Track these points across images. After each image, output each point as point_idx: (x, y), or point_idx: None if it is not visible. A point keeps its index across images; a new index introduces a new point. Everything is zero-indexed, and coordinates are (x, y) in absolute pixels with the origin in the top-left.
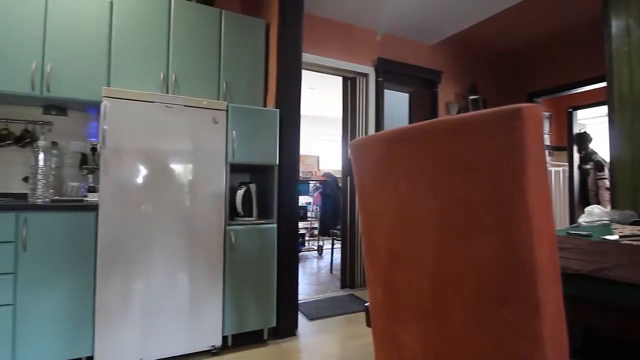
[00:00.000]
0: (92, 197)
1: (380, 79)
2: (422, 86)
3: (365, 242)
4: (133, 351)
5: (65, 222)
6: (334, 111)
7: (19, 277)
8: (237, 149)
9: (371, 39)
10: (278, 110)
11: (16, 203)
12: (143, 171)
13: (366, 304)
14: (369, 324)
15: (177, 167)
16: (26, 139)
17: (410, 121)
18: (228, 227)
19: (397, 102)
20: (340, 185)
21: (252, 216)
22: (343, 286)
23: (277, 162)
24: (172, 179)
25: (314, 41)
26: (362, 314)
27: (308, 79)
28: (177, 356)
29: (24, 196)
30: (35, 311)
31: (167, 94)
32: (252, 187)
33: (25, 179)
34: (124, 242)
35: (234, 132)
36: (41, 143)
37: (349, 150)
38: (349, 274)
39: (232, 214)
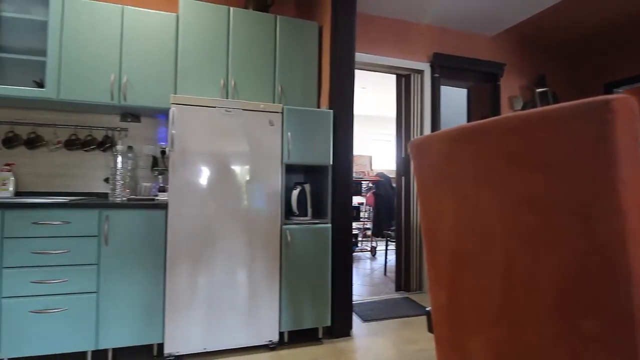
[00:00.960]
0: (162, 197)
1: (436, 75)
2: (481, 80)
3: (427, 243)
4: (198, 341)
5: (140, 219)
6: (387, 110)
7: (101, 267)
8: (292, 149)
9: (426, 35)
10: (332, 110)
11: (99, 202)
12: (206, 172)
13: (427, 309)
14: (430, 330)
15: (237, 168)
16: (107, 144)
17: (469, 118)
18: (284, 226)
19: (454, 99)
20: (394, 185)
21: (306, 216)
22: (398, 289)
23: (331, 163)
24: (232, 179)
25: (367, 40)
26: (418, 318)
27: (360, 78)
28: (237, 348)
29: (105, 195)
30: (114, 299)
31: (227, 98)
32: (307, 187)
33: (106, 180)
34: (190, 238)
35: (289, 133)
36: (119, 147)
37: (408, 150)
38: (404, 277)
39: (288, 213)
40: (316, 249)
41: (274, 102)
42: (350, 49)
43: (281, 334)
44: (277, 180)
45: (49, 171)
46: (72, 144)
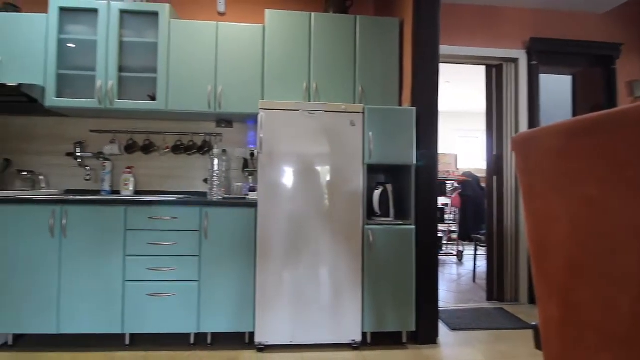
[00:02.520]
0: (252, 196)
1: (534, 62)
2: (590, 65)
3: (534, 249)
4: (285, 334)
5: (233, 216)
6: (474, 105)
7: (202, 259)
8: (373, 149)
9: (520, 19)
10: (414, 108)
11: (199, 200)
12: (291, 173)
13: (533, 323)
14: (538, 346)
15: (320, 169)
16: (205, 148)
17: (575, 108)
18: (366, 227)
19: (553, 89)
20: (483, 185)
21: (389, 216)
22: (489, 298)
23: (414, 162)
24: (315, 179)
25: (452, 31)
26: (515, 332)
27: (444, 72)
28: (321, 344)
29: (204, 194)
30: (213, 288)
31: (310, 101)
32: (389, 187)
33: (205, 180)
34: (277, 235)
35: (370, 133)
36: (215, 151)
37: (511, 146)
38: (497, 285)
39: (369, 213)
40: (399, 250)
41: (354, 103)
42: (434, 42)
43: (364, 335)
44: (358, 180)
45: (160, 173)
46: (177, 149)
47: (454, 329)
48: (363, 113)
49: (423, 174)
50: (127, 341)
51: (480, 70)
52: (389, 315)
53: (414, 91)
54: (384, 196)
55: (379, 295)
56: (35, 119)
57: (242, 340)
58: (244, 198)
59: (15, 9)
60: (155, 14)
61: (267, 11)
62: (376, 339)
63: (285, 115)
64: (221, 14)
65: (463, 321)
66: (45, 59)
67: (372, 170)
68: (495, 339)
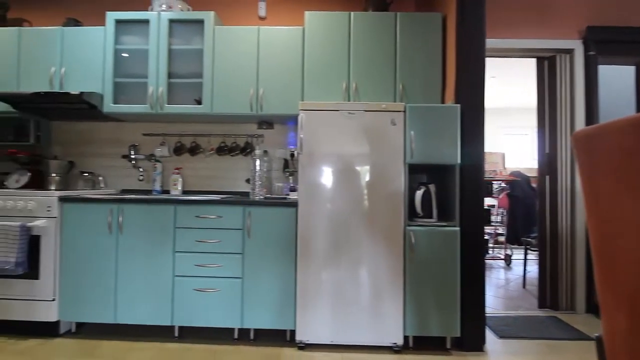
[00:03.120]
0: (292, 196)
1: (592, 53)
2: None
3: (598, 254)
4: (325, 333)
5: (275, 216)
6: (522, 100)
7: (245, 257)
8: (415, 149)
9: (575, 7)
10: (458, 105)
11: (242, 199)
12: (331, 173)
13: (596, 335)
14: (602, 359)
15: (360, 169)
16: (247, 149)
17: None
18: (407, 228)
19: (613, 80)
20: (533, 185)
21: (431, 217)
22: (542, 305)
23: (459, 161)
24: (355, 179)
25: (498, 23)
26: (572, 343)
27: (490, 66)
28: (361, 346)
29: (246, 194)
30: (255, 285)
31: (349, 101)
32: (432, 187)
33: (247, 181)
34: (317, 235)
35: (412, 132)
36: (257, 152)
37: (572, 143)
38: (550, 292)
39: (411, 214)
40: (443, 253)
41: (395, 101)
42: (479, 36)
43: (406, 338)
44: (400, 180)
45: (205, 173)
46: (221, 150)
47: (502, 337)
48: (404, 112)
49: (468, 174)
50: (176, 333)
51: (530, 63)
52: (432, 319)
53: (457, 88)
54: (426, 196)
55: (422, 299)
56: (95, 124)
57: (284, 337)
58: (285, 198)
59: (77, 23)
60: (200, 22)
61: (306, 13)
62: (418, 343)
63: (325, 116)
64: (262, 19)
65: (512, 329)
66: (103, 68)
67: (414, 170)
68: (548, 350)
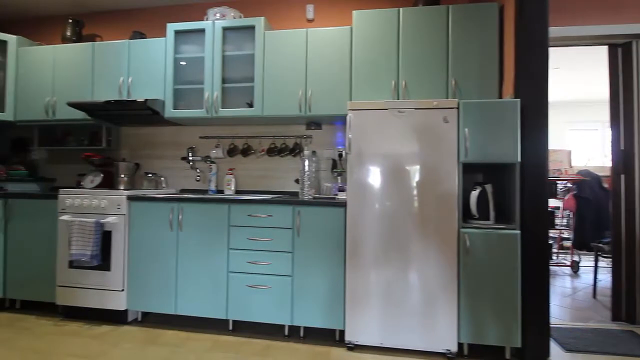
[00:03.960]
0: (341, 196)
1: None
2: None
3: None
4: (375, 335)
5: (323, 215)
6: (591, 92)
7: (295, 255)
8: (470, 147)
9: None
10: (518, 100)
11: (292, 199)
12: (381, 173)
13: None
14: None
15: (410, 168)
16: (296, 150)
17: None
18: (462, 230)
19: None
20: (605, 186)
21: (488, 220)
22: (616, 318)
23: (519, 160)
24: (406, 179)
25: (562, 9)
26: None
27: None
28: (412, 350)
29: (295, 194)
30: (304, 284)
31: (398, 99)
32: (488, 187)
33: (296, 181)
34: (366, 236)
35: (466, 129)
36: (306, 152)
37: None
38: (625, 304)
39: (466, 216)
40: (501, 257)
41: (447, 98)
42: (541, 24)
43: (460, 345)
44: (453, 180)
45: (256, 174)
46: (271, 151)
47: (569, 350)
48: (457, 108)
49: (530, 173)
50: (231, 326)
51: (601, 51)
52: (489, 327)
53: (517, 81)
54: (482, 197)
55: (478, 305)
56: (157, 129)
57: (333, 337)
58: (334, 198)
59: (142, 35)
60: (251, 28)
61: (354, 12)
62: (474, 352)
63: (374, 115)
64: (310, 21)
65: (581, 342)
66: (164, 76)
67: (469, 170)
68: None
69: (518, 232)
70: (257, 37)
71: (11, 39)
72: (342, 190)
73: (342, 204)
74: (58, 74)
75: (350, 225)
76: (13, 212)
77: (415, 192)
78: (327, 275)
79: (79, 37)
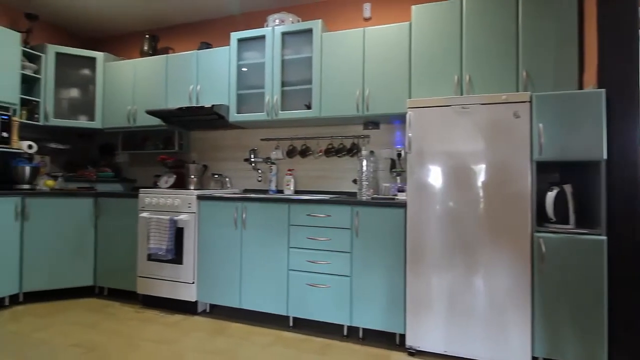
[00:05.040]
0: (401, 196)
1: None
2: None
3: None
4: (438, 342)
5: (382, 216)
6: None
7: (353, 256)
8: (544, 144)
9: None
10: (603, 90)
11: (350, 199)
12: (443, 173)
13: None
14: None
15: (475, 168)
16: (353, 150)
17: None
18: (536, 234)
19: None
20: None
21: (567, 223)
22: None
23: (605, 157)
24: (471, 179)
25: None
26: None
27: None
28: None
29: (353, 194)
30: (363, 285)
31: (462, 95)
32: (567, 188)
33: (354, 181)
34: (427, 238)
35: (540, 125)
36: (363, 153)
37: None
38: None
39: (540, 219)
40: (583, 265)
41: (517, 91)
42: (629, 3)
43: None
44: (525, 179)
45: (314, 174)
46: (329, 152)
47: None
48: (530, 102)
49: (619, 172)
50: (291, 323)
51: None
52: (568, 342)
53: (601, 70)
54: (560, 199)
55: (555, 317)
56: (222, 132)
57: (393, 340)
58: (393, 198)
59: (208, 45)
60: (309, 31)
61: (413, 7)
62: None
63: (435, 112)
64: (367, 19)
65: None
66: (229, 82)
67: (543, 169)
68: None
69: (604, 237)
70: (314, 40)
71: (99, 55)
72: (401, 190)
73: (402, 205)
74: (138, 85)
75: (411, 226)
76: (102, 210)
77: (481, 192)
78: (387, 277)
79: (154, 51)
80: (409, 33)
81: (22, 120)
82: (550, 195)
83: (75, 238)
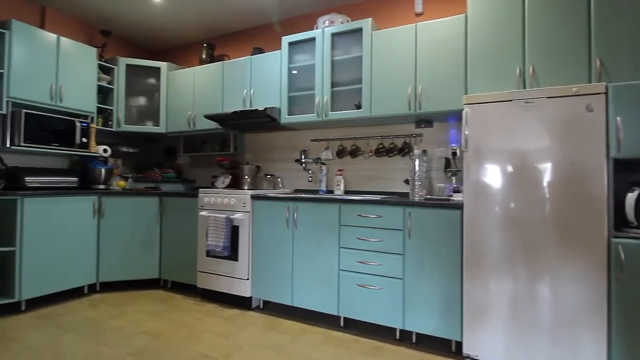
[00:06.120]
0: (456, 197)
1: None
2: None
3: None
4: (499, 352)
5: (436, 218)
6: None
7: (406, 257)
8: (624, 139)
9: None
10: None
11: (402, 200)
12: (504, 172)
13: None
14: None
15: (541, 166)
16: (405, 150)
17: None
18: (613, 240)
19: None
20: None
21: None
22: None
23: None
24: (536, 179)
25: None
26: None
27: None
28: None
29: (405, 195)
30: (416, 288)
31: (525, 88)
32: None
33: (406, 181)
34: (487, 241)
35: (618, 118)
36: (416, 152)
37: None
38: None
39: (618, 223)
40: None
41: (589, 82)
42: None
43: None
44: (600, 179)
45: (364, 174)
46: (379, 152)
47: None
48: (605, 93)
49: None
50: (342, 323)
51: None
52: None
53: None
54: None
55: (636, 331)
56: (274, 134)
57: (448, 347)
58: (448, 199)
59: (261, 50)
60: (359, 30)
61: None
62: None
63: (495, 108)
64: (419, 15)
65: None
66: (280, 85)
67: (622, 167)
68: None
69: None
70: (364, 39)
71: (163, 65)
72: (457, 191)
73: (458, 206)
74: (197, 91)
75: (468, 229)
76: (166, 208)
77: (547, 193)
78: (441, 280)
79: (211, 58)
80: (464, 25)
81: (98, 127)
82: (631, 197)
83: (143, 234)
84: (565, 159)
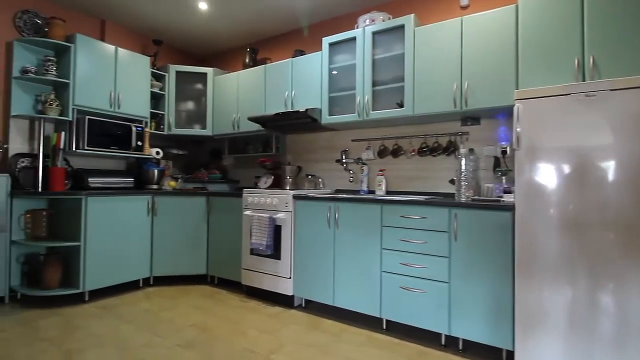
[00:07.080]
0: (507, 198)
1: None
2: None
3: None
4: None
5: (485, 219)
6: None
7: (451, 261)
8: None
9: None
10: None
11: (448, 201)
12: (561, 172)
13: None
14: None
15: (605, 165)
16: (450, 149)
17: None
18: None
19: None
20: None
21: None
22: None
23: None
24: (597, 179)
25: None
26: None
27: None
28: None
29: (450, 195)
30: (463, 292)
31: (584, 81)
32: None
33: (451, 181)
34: (542, 246)
35: None
36: (462, 151)
37: None
38: None
39: None
40: None
41: None
42: None
43: None
44: None
45: (407, 174)
46: (423, 151)
47: None
48: None
49: None
50: (384, 326)
51: None
52: None
53: None
54: None
55: None
56: (315, 135)
57: (498, 356)
58: (497, 200)
59: (302, 52)
60: (401, 27)
61: None
62: None
63: (550, 103)
64: (464, 8)
65: None
66: (321, 86)
67: None
68: None
69: None
70: (406, 36)
71: (209, 70)
72: (507, 191)
73: (509, 208)
74: (241, 94)
75: (520, 232)
76: (212, 207)
77: (611, 194)
78: (491, 286)
79: (254, 62)
80: (515, 16)
81: (151, 131)
82: None
83: (192, 232)
84: (632, 157)
